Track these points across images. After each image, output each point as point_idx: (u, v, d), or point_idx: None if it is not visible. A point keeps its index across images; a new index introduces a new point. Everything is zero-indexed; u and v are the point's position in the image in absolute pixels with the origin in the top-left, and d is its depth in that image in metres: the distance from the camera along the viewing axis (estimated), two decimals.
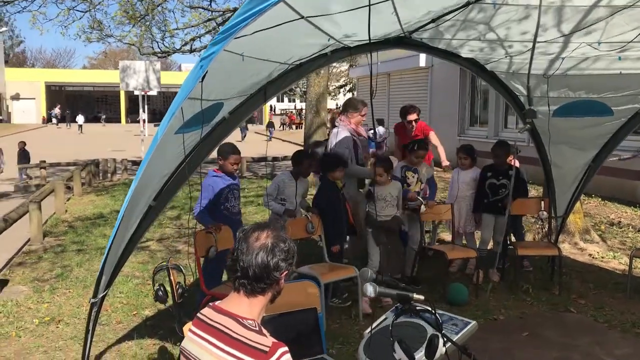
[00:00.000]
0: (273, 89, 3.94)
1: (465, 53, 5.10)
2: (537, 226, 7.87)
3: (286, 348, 2.00)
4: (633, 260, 6.09)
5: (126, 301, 5.77)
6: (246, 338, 2.00)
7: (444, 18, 4.19)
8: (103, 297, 3.87)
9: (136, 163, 17.65)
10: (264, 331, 2.05)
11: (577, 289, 6.09)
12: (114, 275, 3.84)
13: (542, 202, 6.37)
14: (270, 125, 37.53)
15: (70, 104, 56.91)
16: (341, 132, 6.14)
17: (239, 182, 5.48)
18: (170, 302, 4.13)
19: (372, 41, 4.07)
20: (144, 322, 5.26)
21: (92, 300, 3.79)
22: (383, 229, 5.69)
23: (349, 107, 6.30)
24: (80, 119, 44.65)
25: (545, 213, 6.32)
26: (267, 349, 1.96)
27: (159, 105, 60.62)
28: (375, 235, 5.72)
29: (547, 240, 6.79)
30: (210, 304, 2.20)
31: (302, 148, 6.75)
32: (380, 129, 16.12)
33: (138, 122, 46.72)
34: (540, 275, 6.54)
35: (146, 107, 20.08)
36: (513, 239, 6.61)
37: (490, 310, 5.50)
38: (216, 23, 13.31)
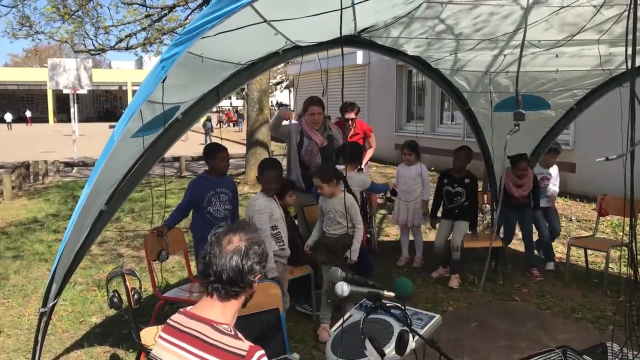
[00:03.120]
0: (226, 89, 3.89)
1: (411, 50, 5.20)
2: (478, 219, 8.12)
3: (263, 351, 1.99)
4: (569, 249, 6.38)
5: (71, 309, 5.57)
6: (222, 343, 1.98)
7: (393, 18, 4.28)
8: (53, 306, 3.72)
9: (69, 164, 17.03)
10: (240, 335, 2.03)
11: (519, 279, 6.33)
12: (64, 282, 3.71)
13: (485, 196, 6.57)
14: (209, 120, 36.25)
15: None
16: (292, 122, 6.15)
17: (232, 185, 5.13)
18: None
19: (324, 41, 4.13)
20: (92, 329, 5.09)
21: (42, 309, 3.64)
22: (325, 247, 4.95)
23: (302, 106, 6.24)
24: (8, 116, 43.60)
25: (487, 206, 6.54)
26: (244, 353, 1.95)
27: (88, 104, 58.66)
28: (318, 251, 5.04)
29: (489, 233, 7.02)
30: (181, 309, 2.15)
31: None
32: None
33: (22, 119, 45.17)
34: (482, 266, 6.75)
35: (76, 105, 19.42)
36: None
37: (440, 302, 5.65)
38: (151, 20, 13.00)
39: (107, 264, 7.11)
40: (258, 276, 2.12)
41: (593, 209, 9.33)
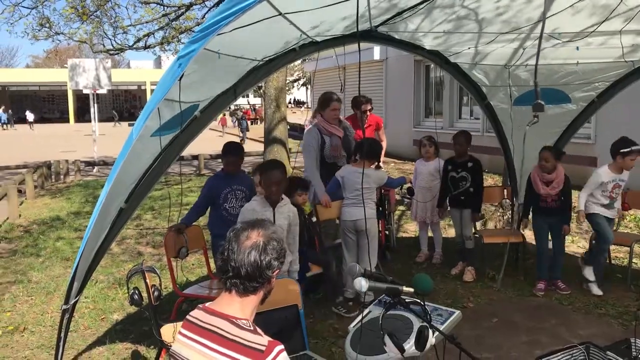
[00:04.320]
0: (243, 86, 3.88)
1: (429, 44, 5.15)
2: (498, 214, 8.06)
3: (282, 346, 1.99)
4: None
5: (93, 306, 5.63)
6: (242, 338, 1.98)
7: (409, 11, 4.24)
8: (75, 304, 3.76)
9: (89, 164, 17.22)
10: (259, 330, 2.03)
11: None
12: (86, 280, 3.75)
13: (505, 190, 6.51)
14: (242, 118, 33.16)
15: (15, 104, 54.98)
16: (307, 130, 6.11)
17: (248, 182, 5.11)
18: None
19: (340, 36, 4.10)
20: (114, 326, 5.14)
21: (64, 306, 3.68)
22: None
23: (319, 103, 6.21)
24: (30, 116, 44.81)
25: (507, 201, 6.47)
26: (263, 348, 1.95)
27: (108, 104, 59.24)
28: None
29: (510, 228, 6.95)
30: (200, 305, 2.16)
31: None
32: None
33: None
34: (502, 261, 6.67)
35: (96, 105, 19.61)
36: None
37: (460, 298, 5.61)
38: (169, 19, 13.08)
39: (127, 262, 7.18)
40: (276, 272, 2.12)
41: None
